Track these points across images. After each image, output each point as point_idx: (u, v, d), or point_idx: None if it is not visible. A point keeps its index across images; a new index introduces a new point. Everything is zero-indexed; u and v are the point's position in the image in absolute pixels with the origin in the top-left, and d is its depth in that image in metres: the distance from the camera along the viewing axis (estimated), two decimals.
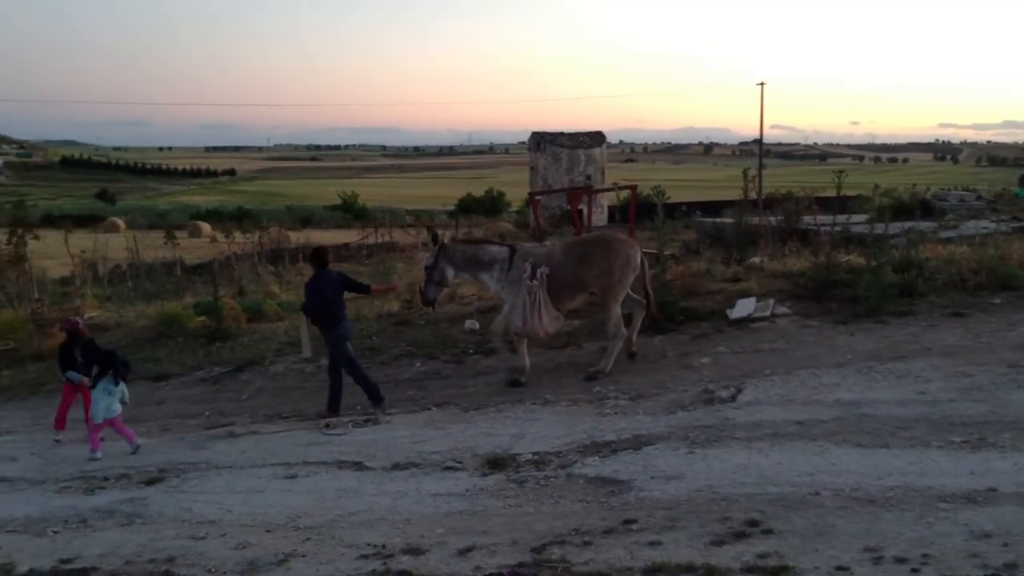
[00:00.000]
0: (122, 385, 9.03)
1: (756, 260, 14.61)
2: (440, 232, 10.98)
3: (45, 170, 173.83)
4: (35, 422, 10.84)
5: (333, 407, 9.72)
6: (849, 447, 6.57)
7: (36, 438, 9.99)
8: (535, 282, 9.56)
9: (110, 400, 8.90)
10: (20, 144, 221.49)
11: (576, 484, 6.44)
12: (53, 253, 27.45)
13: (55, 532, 6.52)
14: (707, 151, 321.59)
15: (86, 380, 9.22)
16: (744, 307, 11.09)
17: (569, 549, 5.19)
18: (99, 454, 8.77)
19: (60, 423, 9.78)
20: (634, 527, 5.44)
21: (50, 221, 51.73)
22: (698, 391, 8.61)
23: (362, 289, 10.30)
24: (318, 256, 10.13)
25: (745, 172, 17.74)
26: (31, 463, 8.81)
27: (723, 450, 6.78)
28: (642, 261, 10.13)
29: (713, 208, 43.91)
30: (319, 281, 9.75)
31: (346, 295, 10.06)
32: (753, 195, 21.08)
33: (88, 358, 9.38)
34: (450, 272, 10.09)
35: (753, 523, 5.28)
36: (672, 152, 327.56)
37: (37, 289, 19.33)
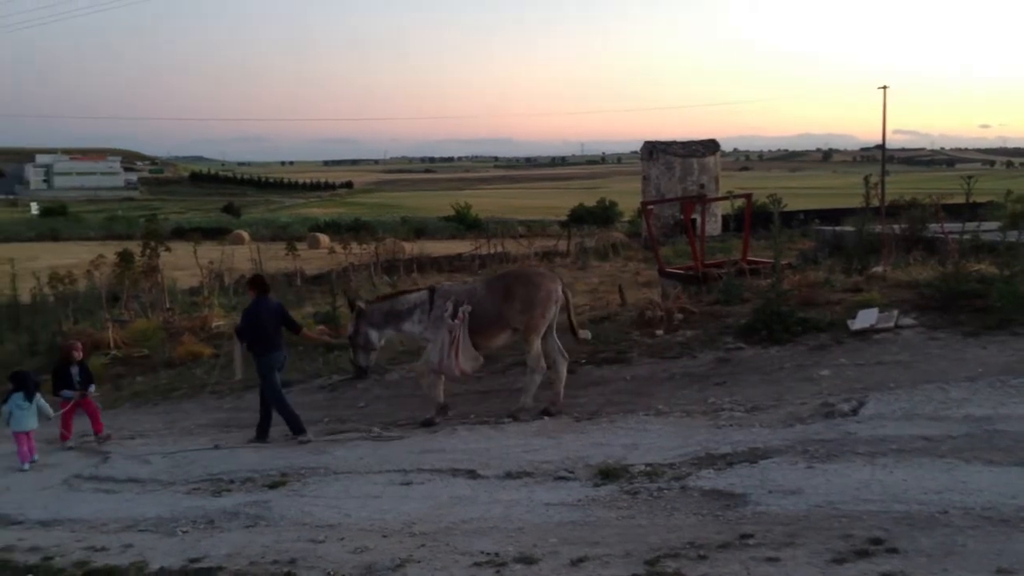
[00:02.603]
0: (37, 401, 9.62)
1: (878, 269, 14.12)
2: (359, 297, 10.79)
3: (175, 185, 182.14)
4: (166, 426, 11.36)
5: (261, 435, 9.91)
6: (980, 464, 6.26)
7: (167, 441, 10.46)
8: (457, 321, 9.40)
9: (23, 415, 9.42)
10: (153, 160, 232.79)
11: (690, 497, 6.34)
12: (183, 264, 28.89)
13: (184, 532, 6.79)
14: (826, 158, 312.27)
15: (75, 394, 10.33)
16: (866, 318, 10.71)
17: (684, 563, 5.11)
18: (27, 466, 9.34)
19: (66, 434, 10.46)
20: (751, 542, 5.32)
21: (180, 234, 54.15)
22: (817, 404, 8.35)
23: (293, 327, 10.38)
24: (257, 283, 10.32)
25: (867, 179, 17.09)
26: (162, 465, 9.22)
27: (844, 465, 6.56)
28: (564, 294, 9.91)
29: (832, 216, 42.55)
30: (256, 308, 9.89)
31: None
32: (875, 202, 20.32)
33: (84, 376, 10.54)
34: (374, 334, 9.89)
35: (877, 541, 5.09)
36: (789, 159, 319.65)
37: (168, 299, 20.31)
